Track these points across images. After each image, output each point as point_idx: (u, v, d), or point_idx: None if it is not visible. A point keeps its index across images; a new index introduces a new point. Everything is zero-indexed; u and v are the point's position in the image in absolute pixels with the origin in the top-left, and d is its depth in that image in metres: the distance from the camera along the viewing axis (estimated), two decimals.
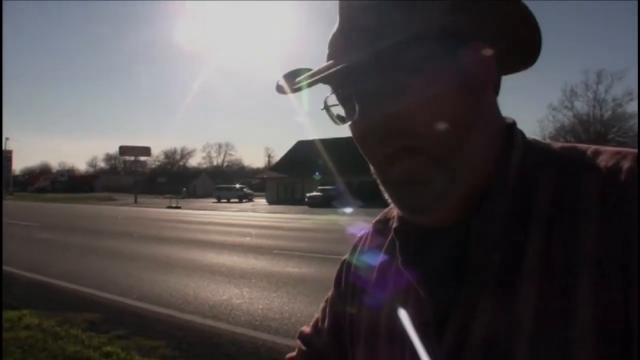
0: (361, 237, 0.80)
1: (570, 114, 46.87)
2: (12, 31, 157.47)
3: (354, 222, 0.83)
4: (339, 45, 0.58)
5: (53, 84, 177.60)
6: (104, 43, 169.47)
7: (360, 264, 0.76)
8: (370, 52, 0.53)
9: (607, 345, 0.46)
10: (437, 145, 0.54)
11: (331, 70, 0.54)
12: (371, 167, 0.61)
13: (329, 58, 0.60)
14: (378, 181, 0.61)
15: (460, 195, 0.56)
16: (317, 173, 37.66)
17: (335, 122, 0.61)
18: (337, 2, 0.60)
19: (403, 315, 0.63)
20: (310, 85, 0.58)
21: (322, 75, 0.56)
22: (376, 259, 0.72)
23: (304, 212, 27.42)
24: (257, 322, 5.32)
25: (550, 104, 50.19)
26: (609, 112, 44.49)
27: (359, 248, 0.79)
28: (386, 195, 0.62)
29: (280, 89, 0.63)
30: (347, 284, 0.77)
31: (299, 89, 0.60)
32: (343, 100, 0.59)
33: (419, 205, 0.57)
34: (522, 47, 0.61)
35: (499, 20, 0.56)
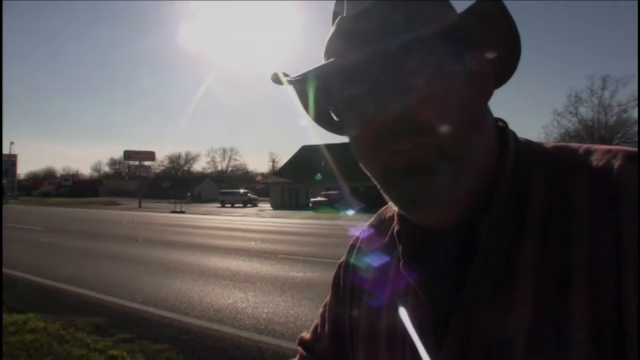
0: (357, 238, 0.80)
1: (574, 119, 46.78)
2: (17, 36, 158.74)
3: (358, 226, 0.82)
4: (341, 47, 0.56)
5: (57, 88, 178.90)
6: (108, 48, 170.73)
7: (359, 265, 0.75)
8: (381, 49, 0.51)
9: (602, 347, 0.47)
10: (447, 141, 0.53)
11: (341, 61, 0.53)
12: (371, 171, 0.59)
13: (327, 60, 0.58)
14: (380, 184, 0.59)
15: (465, 191, 0.56)
16: (318, 174, 37.50)
17: (333, 129, 0.63)
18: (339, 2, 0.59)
19: (404, 318, 0.63)
20: (309, 81, 0.58)
21: (327, 67, 0.55)
22: (375, 260, 0.72)
23: (308, 217, 27.38)
24: (262, 326, 5.31)
25: (555, 110, 50.25)
26: (614, 118, 44.36)
27: (356, 248, 0.78)
28: (388, 198, 0.61)
29: (275, 78, 0.62)
30: (346, 287, 0.77)
31: (297, 82, 0.59)
32: (346, 100, 0.57)
33: (424, 195, 0.55)
34: (505, 58, 0.59)
35: (491, 26, 0.55)
